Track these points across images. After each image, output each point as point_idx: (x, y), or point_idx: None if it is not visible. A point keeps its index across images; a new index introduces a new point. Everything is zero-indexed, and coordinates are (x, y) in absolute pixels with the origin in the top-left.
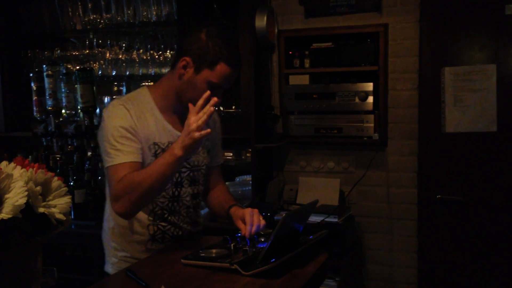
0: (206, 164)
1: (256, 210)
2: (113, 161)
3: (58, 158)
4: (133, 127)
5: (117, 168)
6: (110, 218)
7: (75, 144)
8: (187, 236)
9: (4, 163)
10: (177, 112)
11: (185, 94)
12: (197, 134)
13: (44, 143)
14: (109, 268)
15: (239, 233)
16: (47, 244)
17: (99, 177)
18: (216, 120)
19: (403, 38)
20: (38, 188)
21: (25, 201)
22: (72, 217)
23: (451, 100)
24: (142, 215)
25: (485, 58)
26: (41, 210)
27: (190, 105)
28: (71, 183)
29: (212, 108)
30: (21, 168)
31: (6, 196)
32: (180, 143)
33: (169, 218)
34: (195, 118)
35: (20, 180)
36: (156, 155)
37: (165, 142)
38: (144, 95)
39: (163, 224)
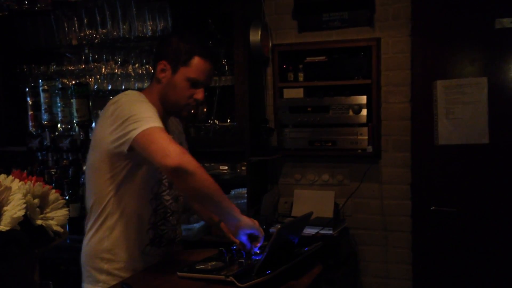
0: None
1: None
2: (150, 123)
3: (53, 173)
4: None
5: (158, 129)
6: (102, 228)
7: (70, 158)
8: (178, 242)
9: (3, 176)
10: (162, 119)
11: (168, 97)
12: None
13: (40, 158)
14: None
15: (235, 245)
16: (41, 258)
17: None
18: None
19: (395, 52)
20: (36, 200)
21: (23, 214)
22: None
23: (443, 112)
24: (143, 219)
25: (476, 71)
26: (39, 222)
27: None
28: (66, 197)
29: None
30: (19, 181)
31: (5, 208)
32: (247, 222)
33: (170, 218)
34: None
35: (18, 192)
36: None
37: None
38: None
39: (162, 228)
